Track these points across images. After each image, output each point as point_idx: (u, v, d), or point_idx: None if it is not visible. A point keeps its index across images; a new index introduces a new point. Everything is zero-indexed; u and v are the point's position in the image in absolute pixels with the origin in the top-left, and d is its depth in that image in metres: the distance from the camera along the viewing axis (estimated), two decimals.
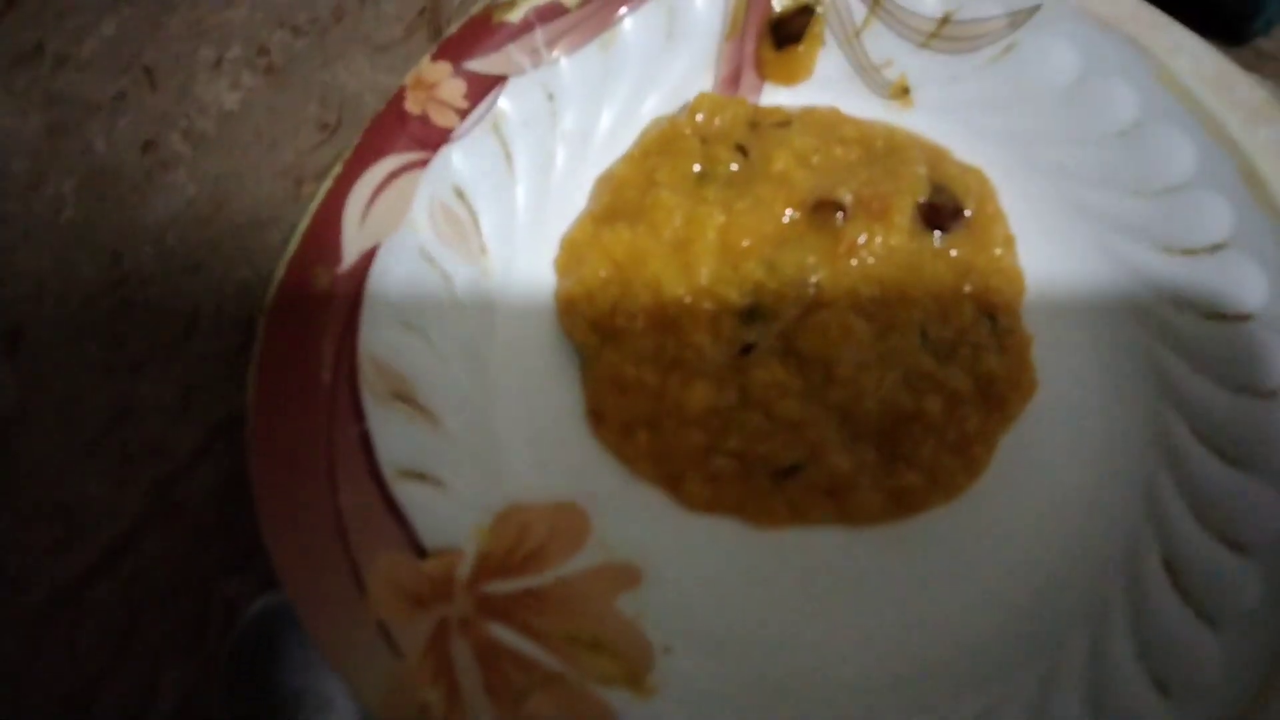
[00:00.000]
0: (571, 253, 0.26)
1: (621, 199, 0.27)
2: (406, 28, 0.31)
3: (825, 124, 0.28)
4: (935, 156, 0.28)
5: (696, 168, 0.27)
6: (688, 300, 0.25)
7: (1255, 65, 0.30)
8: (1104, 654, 0.22)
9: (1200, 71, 0.26)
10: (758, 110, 0.28)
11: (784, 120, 0.28)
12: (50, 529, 0.26)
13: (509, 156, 0.27)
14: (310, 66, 0.30)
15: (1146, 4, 0.27)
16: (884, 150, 0.28)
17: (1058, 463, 0.24)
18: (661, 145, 0.27)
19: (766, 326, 0.25)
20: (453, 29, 0.26)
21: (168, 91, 0.30)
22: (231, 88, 0.30)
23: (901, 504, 0.24)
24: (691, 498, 0.24)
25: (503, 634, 0.22)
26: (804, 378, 0.25)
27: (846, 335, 0.24)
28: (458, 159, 0.26)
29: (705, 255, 0.25)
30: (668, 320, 0.25)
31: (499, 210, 0.27)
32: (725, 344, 0.25)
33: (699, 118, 0.27)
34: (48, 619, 0.25)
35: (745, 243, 0.25)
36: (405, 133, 0.25)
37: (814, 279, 0.25)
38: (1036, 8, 0.27)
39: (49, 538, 0.26)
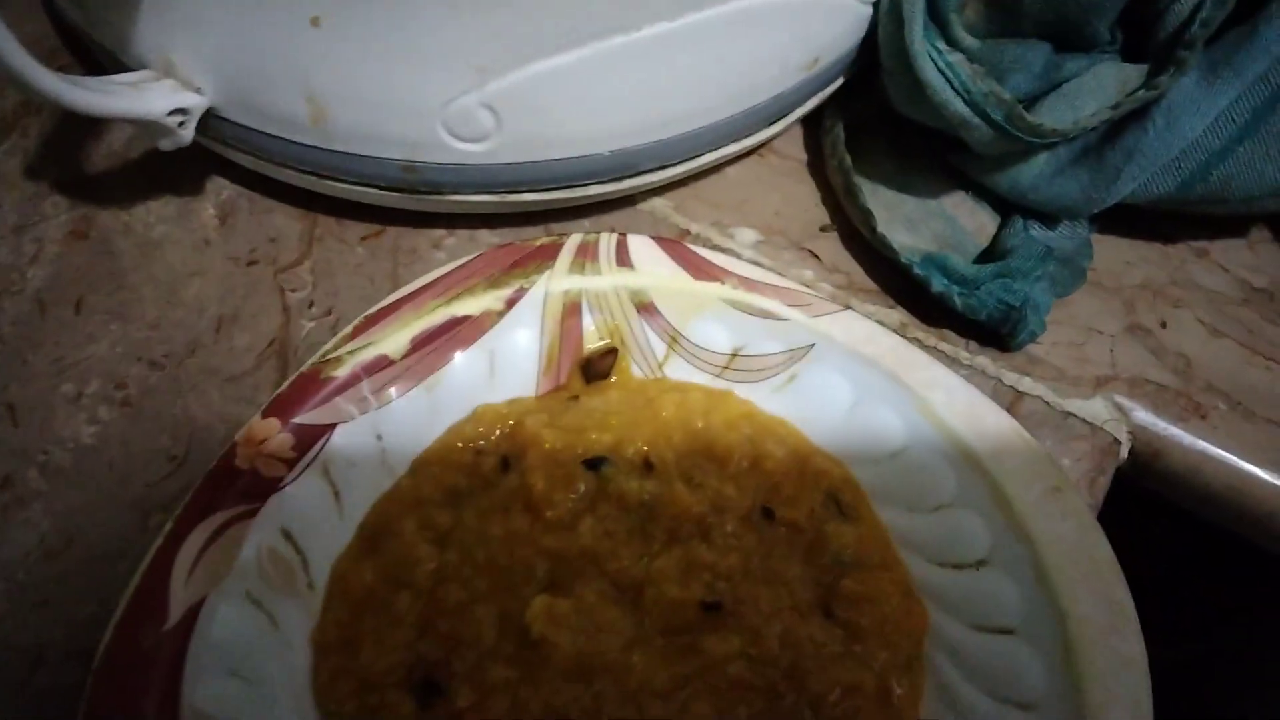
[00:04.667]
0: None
1: (376, 521, 0.29)
2: (257, 358, 0.33)
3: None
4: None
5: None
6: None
7: (1027, 368, 0.34)
8: None
9: (953, 405, 0.29)
10: (545, 400, 0.31)
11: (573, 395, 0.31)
12: None
13: (337, 495, 0.29)
14: (164, 399, 0.32)
15: (906, 344, 0.30)
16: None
17: None
18: (435, 457, 0.30)
19: None
20: (283, 387, 0.29)
21: (28, 428, 0.32)
22: (89, 422, 0.32)
23: None
24: None
25: None
26: None
27: None
28: (285, 505, 0.28)
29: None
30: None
31: (327, 545, 0.29)
32: None
33: (480, 429, 0.30)
34: None
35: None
36: (234, 488, 0.28)
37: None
38: (810, 346, 0.30)
39: None
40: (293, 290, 0.34)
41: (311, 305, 0.34)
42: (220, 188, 0.36)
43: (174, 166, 0.36)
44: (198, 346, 0.33)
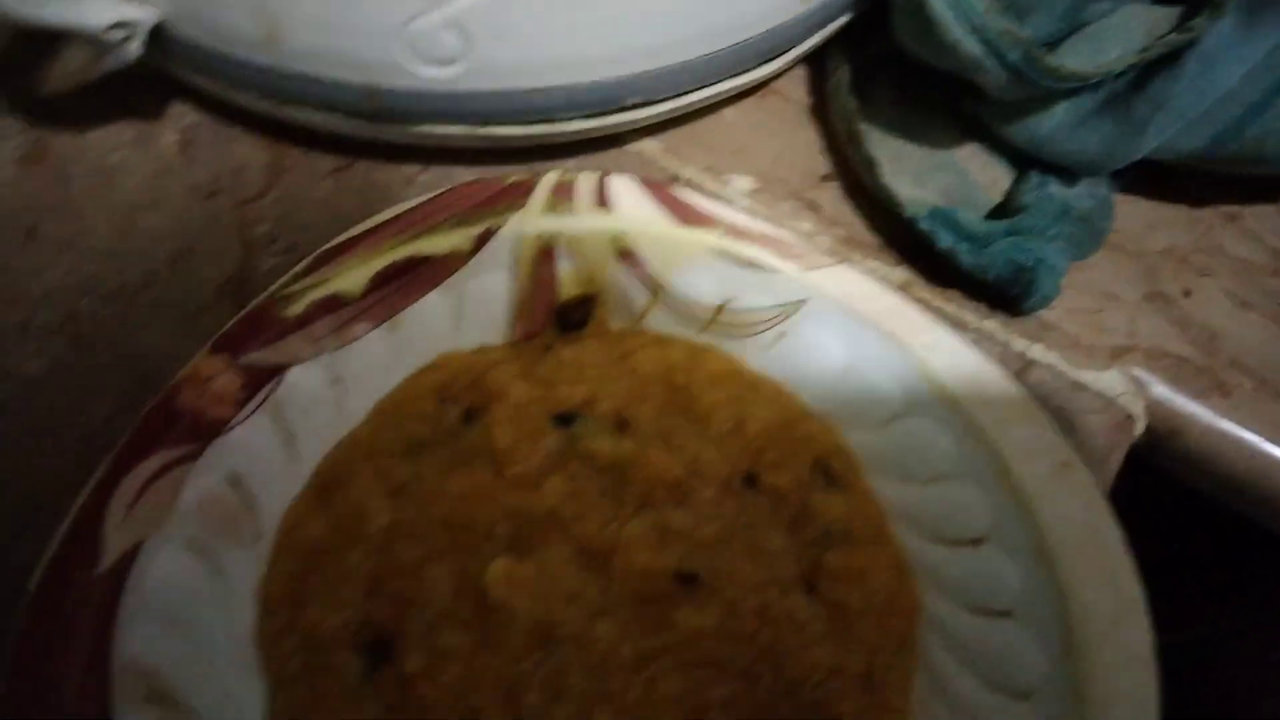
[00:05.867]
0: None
1: (329, 469, 0.27)
2: (215, 294, 0.31)
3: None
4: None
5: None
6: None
7: (1038, 334, 0.32)
8: None
9: (956, 370, 0.27)
10: (516, 349, 0.29)
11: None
12: None
13: (291, 439, 0.27)
14: (115, 334, 0.31)
15: (908, 302, 0.28)
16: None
17: None
18: (395, 404, 0.28)
19: None
20: (232, 322, 0.27)
21: None
22: (36, 355, 0.30)
23: None
24: None
25: None
26: None
27: None
28: (232, 449, 0.26)
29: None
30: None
31: (278, 493, 0.27)
32: None
33: (444, 377, 0.28)
34: None
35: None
36: (176, 428, 0.26)
37: None
38: (803, 301, 0.28)
39: None
40: (254, 224, 0.32)
41: (274, 241, 0.32)
42: (183, 113, 0.34)
43: (134, 89, 0.33)
44: (154, 279, 0.31)
